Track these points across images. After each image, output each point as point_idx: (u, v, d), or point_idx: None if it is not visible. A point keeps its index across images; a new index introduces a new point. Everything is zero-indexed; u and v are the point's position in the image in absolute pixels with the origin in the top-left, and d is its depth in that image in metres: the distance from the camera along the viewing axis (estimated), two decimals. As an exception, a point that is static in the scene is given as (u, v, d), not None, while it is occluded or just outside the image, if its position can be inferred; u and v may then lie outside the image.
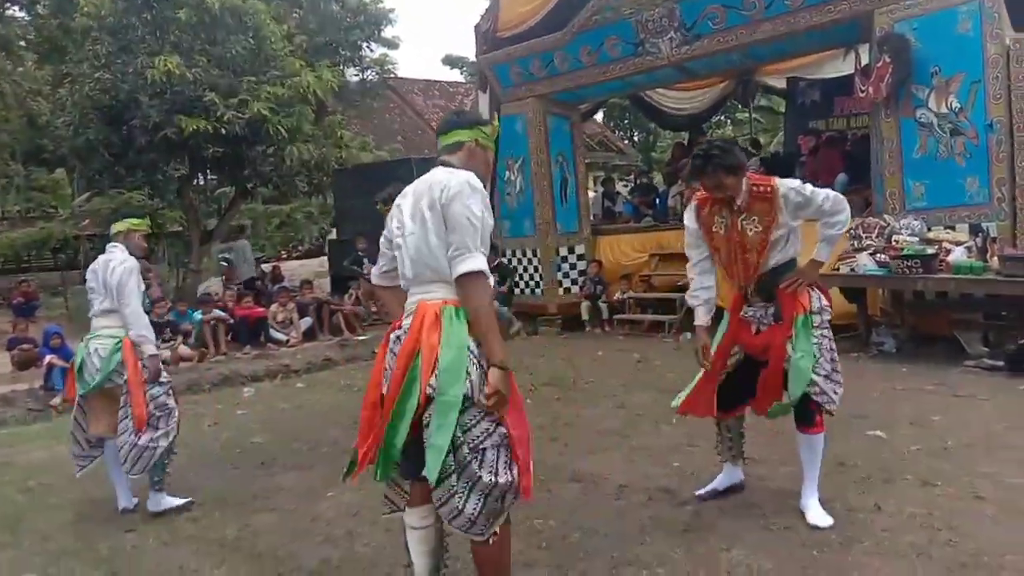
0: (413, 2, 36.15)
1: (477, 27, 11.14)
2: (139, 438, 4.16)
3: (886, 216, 7.51)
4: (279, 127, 10.80)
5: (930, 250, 6.79)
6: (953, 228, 7.16)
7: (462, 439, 2.43)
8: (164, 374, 4.39)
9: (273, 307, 10.56)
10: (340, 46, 14.70)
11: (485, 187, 2.64)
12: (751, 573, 3.07)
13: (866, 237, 7.42)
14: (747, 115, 17.02)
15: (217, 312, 9.94)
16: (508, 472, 2.48)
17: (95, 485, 4.69)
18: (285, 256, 23.13)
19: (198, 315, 9.80)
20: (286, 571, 3.46)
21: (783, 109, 14.91)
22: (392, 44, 16.02)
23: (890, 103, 7.48)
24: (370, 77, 16.22)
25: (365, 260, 11.36)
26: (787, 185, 3.47)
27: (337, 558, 3.54)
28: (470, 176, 2.55)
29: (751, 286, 3.62)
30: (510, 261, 11.12)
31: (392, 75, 17.66)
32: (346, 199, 14.12)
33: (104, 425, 4.35)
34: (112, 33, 10.59)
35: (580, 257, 10.94)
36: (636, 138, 25.26)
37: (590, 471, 4.47)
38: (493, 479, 2.45)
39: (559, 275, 10.85)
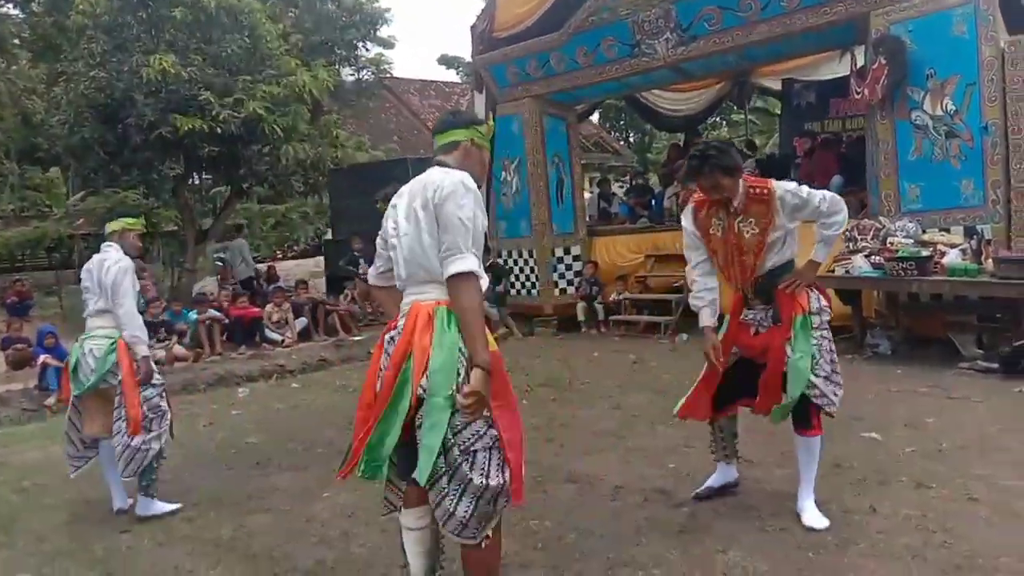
0: (409, 2, 36.11)
1: (473, 27, 11.13)
2: (132, 439, 4.14)
3: (881, 218, 7.53)
4: (275, 126, 10.78)
5: (925, 252, 6.80)
6: (948, 230, 7.17)
7: (452, 441, 2.42)
8: (157, 376, 4.37)
9: (268, 307, 10.55)
10: (336, 45, 14.71)
11: (481, 187, 2.63)
12: (747, 574, 3.07)
13: (861, 239, 7.43)
14: (743, 117, 17.04)
15: (212, 312, 9.91)
16: (500, 475, 2.47)
17: (90, 485, 4.67)
18: (280, 256, 23.09)
19: (193, 315, 9.78)
20: (281, 572, 3.45)
21: (779, 111, 14.95)
22: (388, 44, 16.05)
23: (885, 105, 7.50)
24: (366, 77, 16.24)
25: (361, 260, 11.38)
26: (783, 187, 3.47)
27: (332, 559, 3.53)
28: (464, 176, 2.54)
29: (749, 289, 3.62)
30: (506, 262, 11.12)
31: (388, 75, 17.67)
32: (342, 199, 14.12)
33: (99, 426, 4.33)
34: (107, 31, 10.56)
35: (576, 258, 10.95)
36: (632, 139, 25.29)
37: (586, 472, 4.47)
38: (484, 481, 2.44)
39: (555, 276, 10.85)
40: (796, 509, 3.56)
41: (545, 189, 10.65)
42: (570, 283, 10.90)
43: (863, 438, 4.70)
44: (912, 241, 7.09)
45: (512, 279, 11.10)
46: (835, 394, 3.51)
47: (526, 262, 10.93)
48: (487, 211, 10.04)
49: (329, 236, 16.60)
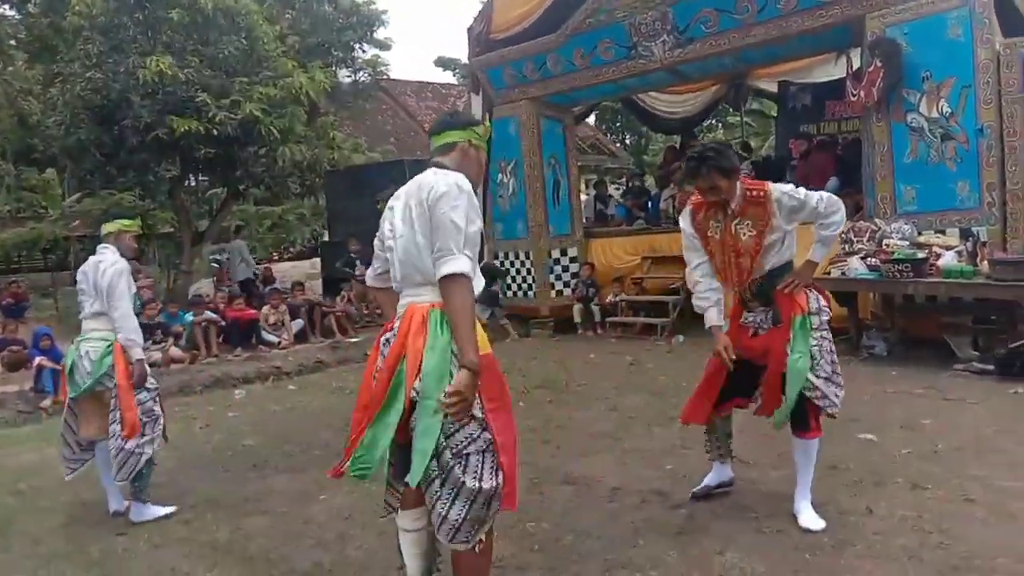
0: (405, 4, 36.12)
1: (470, 29, 11.15)
2: (127, 442, 4.13)
3: (877, 220, 7.55)
4: (271, 128, 10.78)
5: (920, 254, 6.83)
6: (943, 232, 7.20)
7: (444, 444, 2.41)
8: (151, 380, 4.35)
9: (265, 309, 10.54)
10: (332, 47, 14.71)
11: (478, 189, 2.63)
12: (744, 576, 3.08)
13: (857, 241, 7.45)
14: (739, 119, 17.07)
15: (208, 314, 9.90)
16: (493, 478, 2.46)
17: (86, 488, 4.66)
18: (277, 258, 23.06)
19: (189, 317, 9.76)
20: (278, 574, 3.45)
21: (775, 113, 14.95)
22: (384, 45, 16.06)
23: (881, 107, 7.52)
24: (362, 78, 16.25)
25: (357, 262, 11.38)
26: (780, 189, 3.48)
27: (329, 561, 3.52)
28: (459, 177, 2.53)
29: (747, 291, 3.63)
30: (502, 264, 11.13)
31: (384, 76, 17.68)
32: (338, 200, 14.12)
33: (95, 428, 4.32)
34: (104, 32, 10.55)
35: (572, 260, 10.96)
36: (628, 141, 25.29)
37: (583, 474, 4.47)
38: (477, 485, 2.42)
39: (551, 277, 10.86)
40: (793, 510, 3.56)
41: (542, 191, 10.67)
42: (567, 285, 10.91)
43: (859, 439, 4.71)
44: (908, 243, 7.12)
45: (509, 281, 11.11)
46: (836, 395, 3.51)
47: (523, 264, 10.94)
48: (483, 213, 10.11)
49: (326, 238, 16.58)
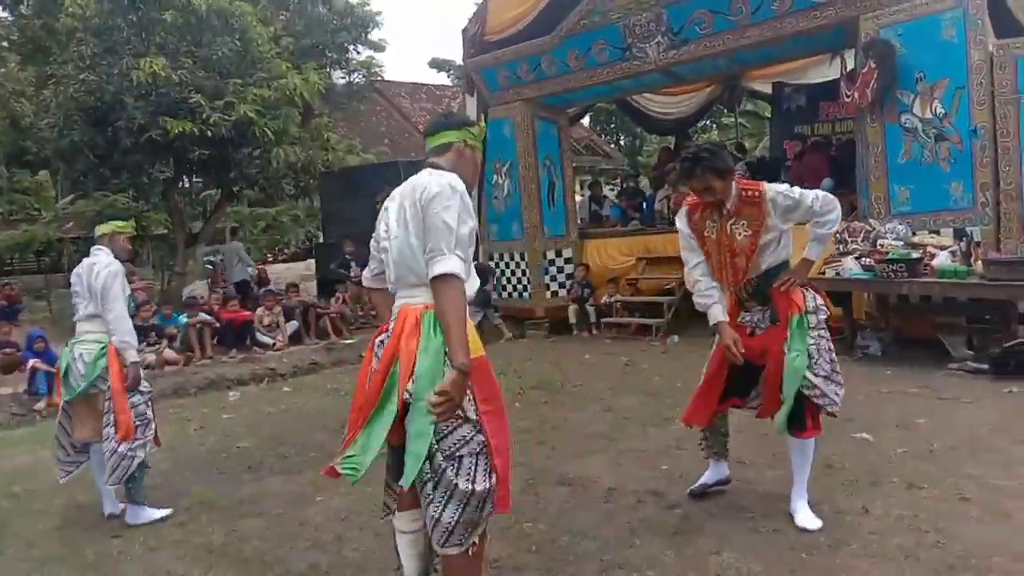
0: (400, 5, 36.12)
1: (464, 31, 11.15)
2: (120, 445, 4.11)
3: (871, 220, 7.57)
4: (265, 129, 10.75)
5: (915, 254, 6.84)
6: (938, 232, 7.22)
7: (436, 447, 2.40)
8: (145, 384, 4.34)
9: (259, 310, 10.51)
10: (326, 48, 14.66)
11: (473, 189, 2.62)
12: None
13: (851, 241, 7.47)
14: (733, 120, 17.10)
15: (203, 315, 9.88)
16: (486, 480, 2.45)
17: (80, 491, 4.65)
18: (271, 259, 23.05)
19: (183, 319, 9.74)
20: (274, 576, 3.44)
21: (769, 114, 15.01)
22: (378, 47, 16.00)
23: (875, 108, 7.55)
24: (356, 80, 16.19)
25: (352, 263, 11.37)
26: (775, 189, 3.49)
27: (325, 563, 3.52)
28: (452, 178, 2.51)
29: (743, 290, 3.64)
30: (497, 264, 11.13)
31: (379, 78, 17.63)
32: (333, 202, 14.10)
33: (89, 430, 4.31)
34: (97, 34, 10.51)
35: (567, 260, 10.96)
36: (622, 142, 25.36)
37: (578, 474, 4.47)
38: (470, 487, 2.41)
39: (546, 278, 10.87)
40: (789, 510, 3.57)
41: (536, 192, 10.67)
42: (561, 286, 10.91)
43: (854, 439, 4.72)
44: (902, 243, 7.14)
45: (504, 282, 11.11)
46: (836, 393, 3.52)
47: (518, 265, 10.94)
48: (478, 214, 10.11)
49: (320, 239, 16.55)
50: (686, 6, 8.72)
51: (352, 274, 11.30)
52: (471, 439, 2.44)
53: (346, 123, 19.09)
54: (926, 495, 3.77)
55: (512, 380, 7.31)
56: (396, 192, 2.67)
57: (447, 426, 2.40)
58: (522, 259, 10.86)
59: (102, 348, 4.22)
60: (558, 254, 10.94)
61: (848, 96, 7.88)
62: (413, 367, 2.43)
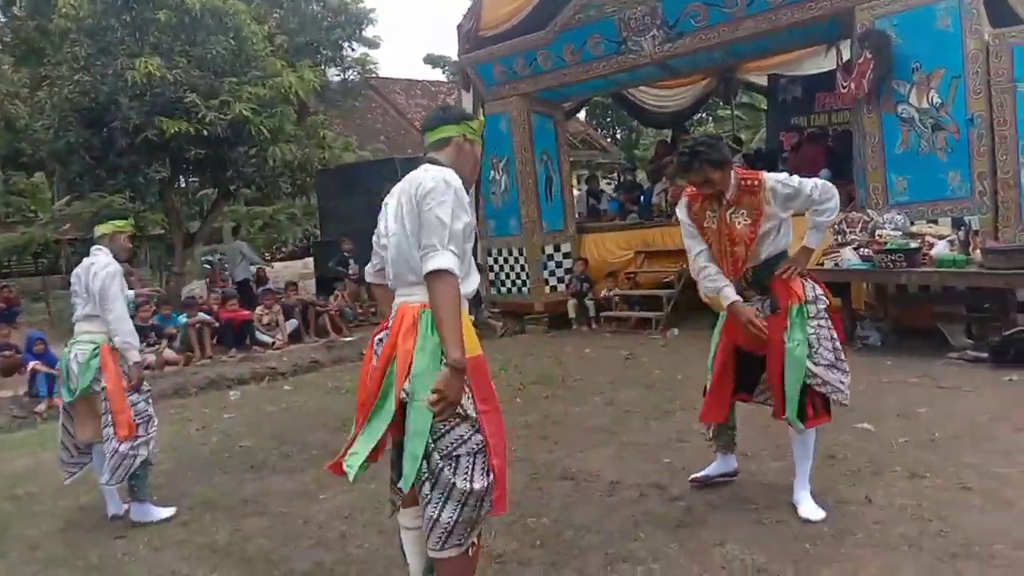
0: (393, 2, 36.04)
1: (459, 26, 11.12)
2: (120, 444, 4.11)
3: (869, 211, 7.57)
4: (261, 128, 10.72)
5: (913, 244, 6.85)
6: (936, 222, 7.23)
7: (433, 446, 2.39)
8: (144, 383, 4.34)
9: (258, 309, 10.50)
10: (321, 46, 14.65)
11: (472, 184, 2.61)
12: (745, 567, 3.08)
13: (850, 232, 7.47)
14: (729, 112, 17.08)
15: (202, 315, 9.86)
16: (484, 478, 2.43)
17: (83, 492, 4.65)
18: (269, 258, 23.00)
19: (183, 318, 9.73)
20: (279, 574, 3.44)
21: (765, 106, 14.99)
22: (373, 44, 16.00)
23: (872, 99, 7.54)
24: (352, 77, 16.19)
25: (351, 261, 11.35)
26: (774, 178, 3.50)
27: (330, 561, 3.52)
28: (448, 173, 2.49)
29: (743, 280, 3.64)
30: (495, 260, 11.13)
31: (374, 75, 17.63)
32: (330, 199, 14.07)
33: (91, 430, 4.31)
34: (91, 35, 10.47)
35: (566, 255, 10.96)
36: (619, 136, 25.32)
37: (581, 468, 4.48)
38: (468, 486, 2.40)
39: (545, 273, 10.87)
40: (792, 501, 3.58)
41: (534, 187, 10.66)
42: (560, 280, 10.91)
43: (856, 429, 4.73)
44: (900, 233, 7.15)
45: (503, 277, 11.10)
46: (841, 382, 3.52)
47: (516, 260, 10.93)
48: (476, 209, 10.09)
49: (318, 237, 16.53)
50: (681, -1, 8.71)
51: (350, 271, 11.29)
52: (469, 438, 2.42)
53: (342, 120, 19.07)
54: (928, 484, 3.78)
55: (512, 375, 7.32)
56: (395, 188, 2.65)
57: (444, 425, 2.39)
58: (520, 254, 10.86)
59: (95, 349, 4.20)
60: (556, 249, 10.94)
61: (844, 87, 7.88)
62: (409, 367, 2.42)
